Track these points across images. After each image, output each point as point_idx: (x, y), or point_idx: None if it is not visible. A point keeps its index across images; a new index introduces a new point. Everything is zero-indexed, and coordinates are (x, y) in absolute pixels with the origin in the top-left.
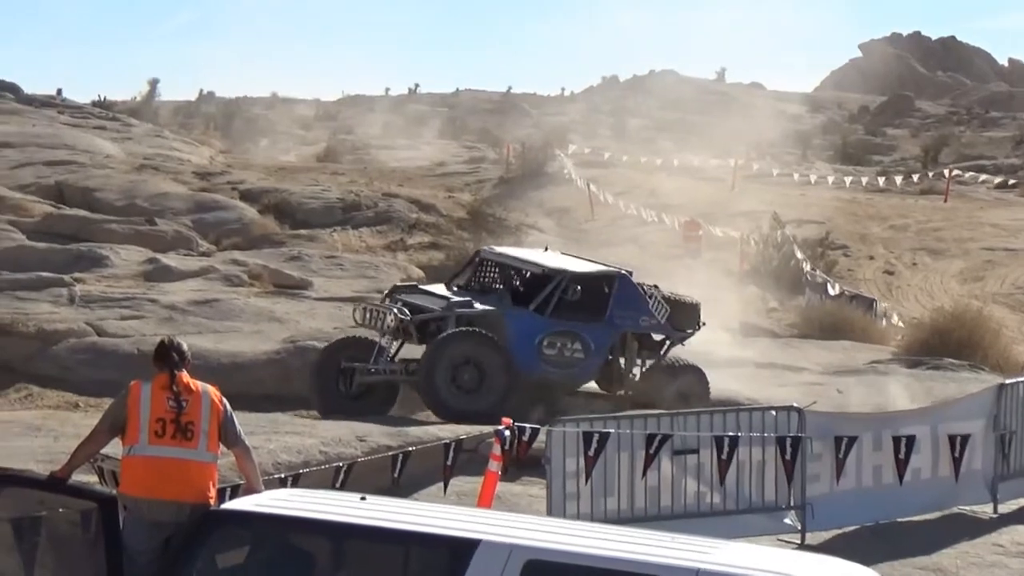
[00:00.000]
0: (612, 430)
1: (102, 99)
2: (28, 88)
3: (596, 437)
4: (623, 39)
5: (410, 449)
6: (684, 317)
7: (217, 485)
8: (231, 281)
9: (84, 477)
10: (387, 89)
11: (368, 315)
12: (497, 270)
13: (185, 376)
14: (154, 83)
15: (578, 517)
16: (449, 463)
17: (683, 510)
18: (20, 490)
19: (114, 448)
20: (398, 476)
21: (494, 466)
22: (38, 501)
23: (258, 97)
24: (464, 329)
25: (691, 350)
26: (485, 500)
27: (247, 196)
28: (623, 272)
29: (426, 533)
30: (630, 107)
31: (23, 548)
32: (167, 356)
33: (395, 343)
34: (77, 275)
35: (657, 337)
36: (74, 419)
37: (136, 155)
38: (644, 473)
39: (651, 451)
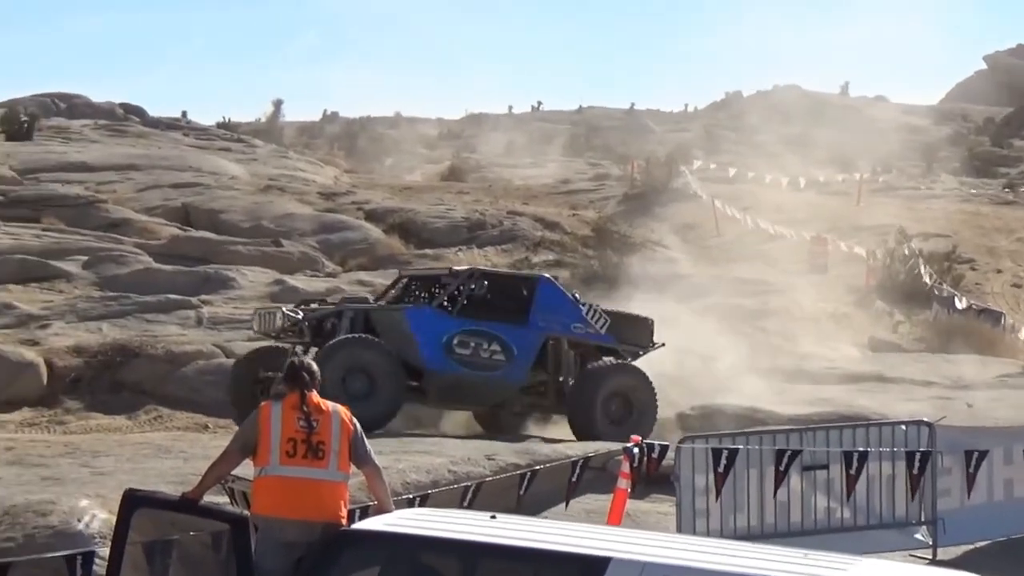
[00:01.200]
0: (741, 446)
1: (227, 121)
2: (153, 111)
3: (725, 454)
4: (746, 55)
5: (538, 467)
6: (632, 331)
7: (348, 505)
8: None
9: (215, 498)
10: (510, 107)
11: (261, 320)
12: (420, 285)
13: (315, 396)
14: (278, 104)
15: (707, 534)
16: (574, 480)
17: (813, 526)
18: (152, 512)
19: (245, 469)
20: (523, 494)
21: (623, 484)
22: (170, 523)
23: (382, 117)
24: (353, 336)
25: (824, 365)
26: (614, 517)
27: (372, 216)
28: (543, 276)
29: (557, 551)
30: (753, 123)
31: (155, 570)
32: (298, 376)
33: (302, 348)
34: (204, 297)
35: (603, 349)
36: (203, 440)
37: (261, 176)
38: (776, 491)
39: (781, 468)
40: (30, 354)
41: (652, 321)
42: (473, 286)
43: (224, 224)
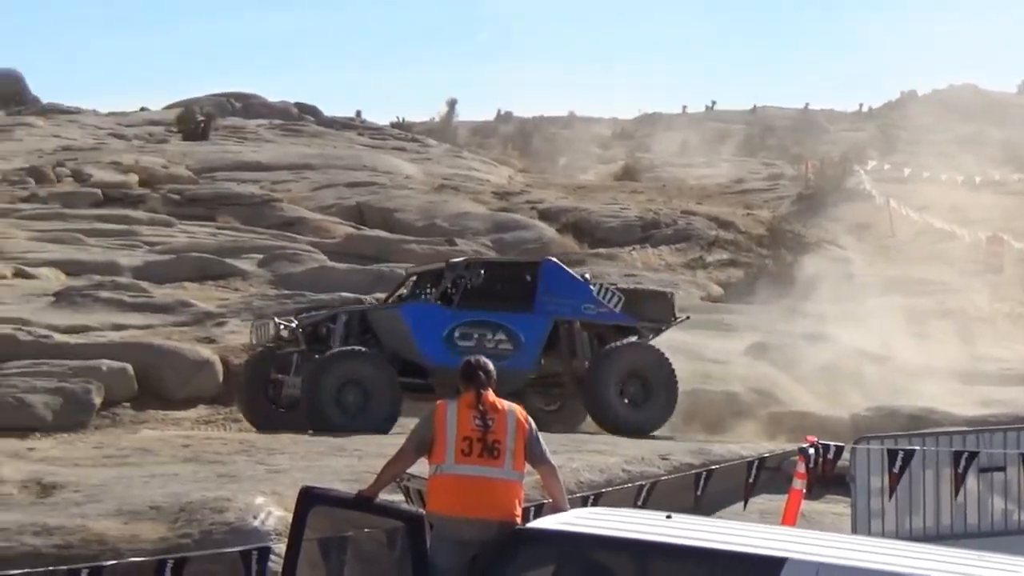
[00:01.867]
0: (917, 448)
1: (401, 120)
2: (328, 110)
3: (901, 455)
4: (920, 54)
5: (713, 467)
6: (651, 307)
7: (523, 504)
8: None
9: (390, 496)
10: (684, 107)
11: (257, 332)
12: (429, 280)
13: (491, 395)
14: (452, 104)
15: (882, 535)
16: (751, 480)
17: (990, 528)
18: (328, 509)
19: (421, 467)
20: (700, 494)
21: (798, 484)
22: (345, 520)
23: (556, 116)
24: (343, 349)
25: (1001, 366)
26: (789, 518)
27: (546, 215)
28: (547, 259)
29: (732, 551)
30: (928, 122)
31: (330, 567)
32: (474, 375)
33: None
34: (378, 295)
35: (623, 327)
36: (378, 439)
37: (435, 175)
38: (956, 493)
39: (959, 470)
40: (206, 352)
41: (672, 295)
42: (471, 276)
43: (398, 223)
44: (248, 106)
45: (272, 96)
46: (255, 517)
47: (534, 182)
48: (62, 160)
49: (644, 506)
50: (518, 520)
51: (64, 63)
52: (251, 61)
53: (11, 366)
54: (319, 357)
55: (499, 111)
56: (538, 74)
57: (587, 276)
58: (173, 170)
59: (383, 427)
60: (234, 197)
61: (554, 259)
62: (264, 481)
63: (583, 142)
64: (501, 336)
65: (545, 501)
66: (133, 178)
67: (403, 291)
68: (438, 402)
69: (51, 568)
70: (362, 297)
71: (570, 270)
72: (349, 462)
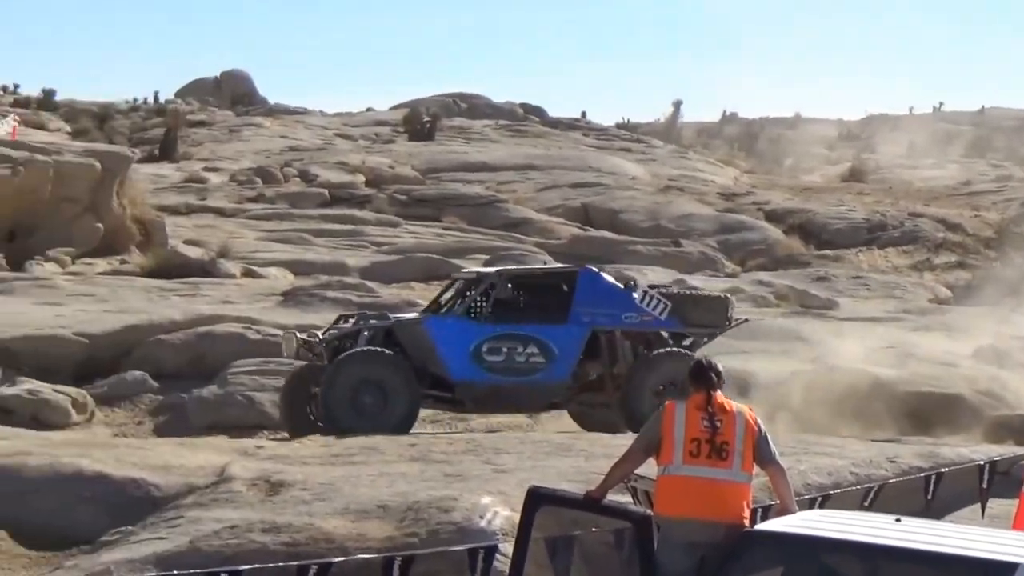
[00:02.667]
0: None
1: (626, 121)
2: (553, 111)
3: None
4: None
5: (943, 470)
6: (701, 312)
7: (751, 506)
8: (757, 302)
9: (617, 497)
10: (911, 108)
11: (284, 345)
12: (473, 286)
13: (720, 396)
14: (678, 105)
15: None
16: (985, 486)
17: None
18: (555, 509)
19: (648, 468)
20: (930, 498)
21: None
22: (572, 520)
23: (781, 117)
24: (362, 350)
25: None
26: (1020, 523)
27: (772, 216)
28: (585, 268)
29: (961, 556)
30: None
31: (557, 567)
32: (704, 376)
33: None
34: None
35: (667, 335)
36: (604, 439)
37: (660, 176)
38: None
39: None
40: None
41: (726, 298)
42: (501, 288)
43: (623, 224)
44: (473, 107)
45: (497, 97)
46: (481, 517)
47: (760, 183)
48: (289, 161)
49: (871, 509)
50: (746, 522)
51: (291, 64)
52: (477, 61)
53: (240, 365)
54: (337, 358)
55: (724, 112)
56: (763, 75)
57: (634, 283)
58: (399, 170)
59: (401, 428)
60: (460, 198)
61: (592, 267)
62: (490, 481)
63: (809, 143)
64: (533, 349)
65: (772, 503)
66: (359, 178)
67: (446, 295)
68: (667, 403)
69: (281, 564)
70: (386, 312)
71: (610, 278)
72: (575, 462)
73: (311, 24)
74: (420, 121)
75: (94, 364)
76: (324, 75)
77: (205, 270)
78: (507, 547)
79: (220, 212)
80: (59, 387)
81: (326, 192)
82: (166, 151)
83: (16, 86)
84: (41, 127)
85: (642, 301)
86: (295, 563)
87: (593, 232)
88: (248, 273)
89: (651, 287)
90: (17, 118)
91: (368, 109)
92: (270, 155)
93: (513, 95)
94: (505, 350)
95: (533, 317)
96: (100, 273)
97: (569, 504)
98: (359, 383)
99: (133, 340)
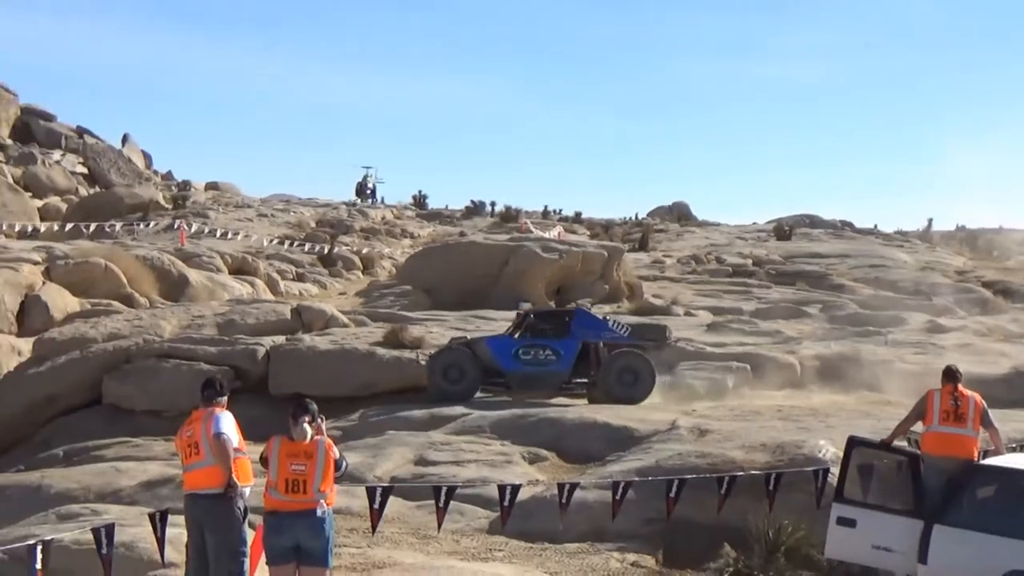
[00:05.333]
0: None
1: (899, 229)
2: (858, 222)
3: None
4: None
5: None
6: (649, 333)
7: (978, 450)
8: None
9: (900, 443)
10: None
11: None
12: (534, 317)
13: (961, 388)
14: (930, 220)
15: None
16: None
17: None
18: (864, 449)
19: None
20: None
21: None
22: (873, 455)
23: (991, 227)
24: (448, 346)
25: None
26: None
27: (986, 284)
28: (577, 307)
29: None
30: None
31: (864, 482)
32: (952, 375)
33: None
34: None
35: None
36: (887, 412)
37: (920, 261)
38: None
39: None
40: (790, 358)
41: (665, 326)
42: (528, 320)
43: (898, 288)
44: (813, 222)
45: (826, 215)
46: (820, 452)
47: (978, 265)
48: (710, 251)
49: None
50: (974, 459)
51: (713, 191)
52: (811, 188)
53: (685, 364)
54: (434, 351)
55: (956, 224)
56: (985, 194)
57: (606, 316)
58: (771, 256)
59: (470, 394)
60: (805, 273)
61: (581, 306)
62: (824, 431)
63: (1011, 243)
64: (548, 352)
65: (989, 449)
66: (749, 261)
67: (517, 323)
68: (929, 390)
69: (705, 475)
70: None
71: (594, 313)
72: (872, 423)
73: (735, 164)
74: (782, 230)
75: None
76: (727, 201)
77: (664, 312)
78: (834, 469)
79: (671, 279)
80: None
81: (730, 268)
82: (642, 246)
83: (559, 210)
84: (573, 232)
85: (613, 325)
86: (715, 474)
87: (881, 292)
88: (688, 313)
89: (616, 319)
90: (560, 228)
91: (753, 223)
92: (699, 248)
93: (836, 214)
94: (532, 352)
95: (550, 334)
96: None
97: (873, 446)
98: (446, 366)
99: None
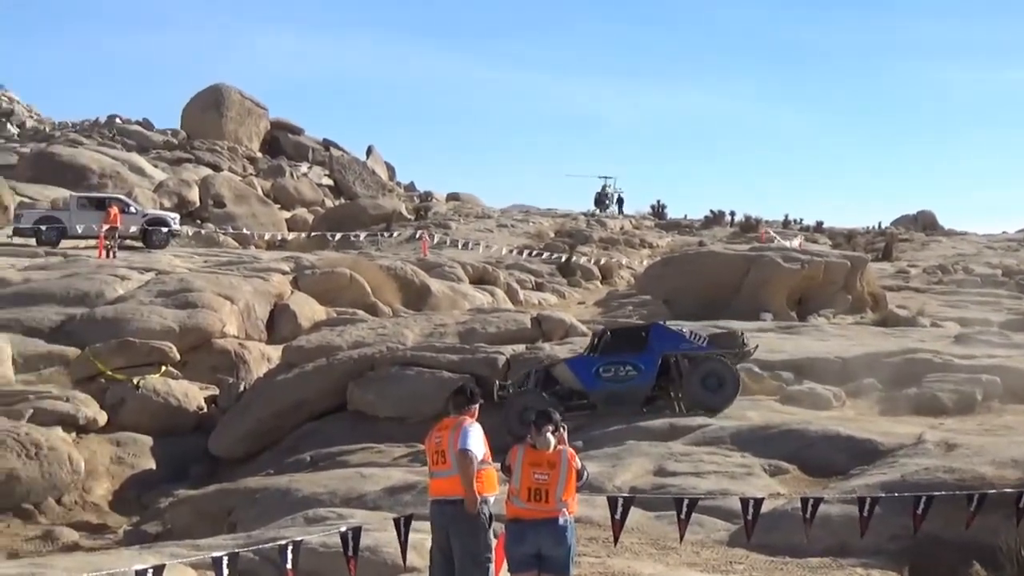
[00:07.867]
0: None
1: None
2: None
3: None
4: None
5: None
6: (725, 341)
7: None
8: None
9: None
10: None
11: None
12: (612, 335)
13: None
14: None
15: None
16: None
17: None
18: None
19: None
20: None
21: None
22: None
23: None
24: (522, 389)
25: None
26: None
27: None
28: (655, 323)
29: None
30: None
31: None
32: None
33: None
34: None
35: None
36: None
37: None
38: None
39: None
40: None
41: (741, 332)
42: (606, 338)
43: None
44: None
45: None
46: None
47: None
48: (956, 261)
49: None
50: None
51: (962, 203)
52: None
53: (931, 376)
54: (511, 392)
55: None
56: None
57: (684, 329)
58: (1020, 265)
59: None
60: None
61: (659, 323)
62: None
63: None
64: (629, 368)
65: None
66: (998, 271)
67: (595, 342)
68: None
69: (953, 492)
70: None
71: (672, 327)
72: None
73: (985, 172)
74: None
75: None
76: (975, 210)
77: (909, 323)
78: None
79: (917, 289)
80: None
81: (978, 279)
82: (886, 255)
83: (799, 219)
84: (814, 241)
85: (690, 337)
86: (964, 492)
87: None
88: (935, 324)
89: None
90: (802, 237)
91: (1003, 232)
92: (945, 258)
93: None
94: (613, 369)
95: (629, 350)
96: (849, 324)
97: None
98: (523, 409)
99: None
